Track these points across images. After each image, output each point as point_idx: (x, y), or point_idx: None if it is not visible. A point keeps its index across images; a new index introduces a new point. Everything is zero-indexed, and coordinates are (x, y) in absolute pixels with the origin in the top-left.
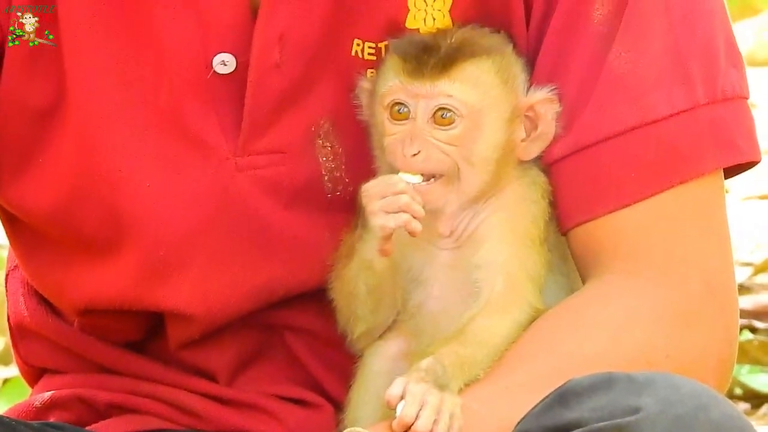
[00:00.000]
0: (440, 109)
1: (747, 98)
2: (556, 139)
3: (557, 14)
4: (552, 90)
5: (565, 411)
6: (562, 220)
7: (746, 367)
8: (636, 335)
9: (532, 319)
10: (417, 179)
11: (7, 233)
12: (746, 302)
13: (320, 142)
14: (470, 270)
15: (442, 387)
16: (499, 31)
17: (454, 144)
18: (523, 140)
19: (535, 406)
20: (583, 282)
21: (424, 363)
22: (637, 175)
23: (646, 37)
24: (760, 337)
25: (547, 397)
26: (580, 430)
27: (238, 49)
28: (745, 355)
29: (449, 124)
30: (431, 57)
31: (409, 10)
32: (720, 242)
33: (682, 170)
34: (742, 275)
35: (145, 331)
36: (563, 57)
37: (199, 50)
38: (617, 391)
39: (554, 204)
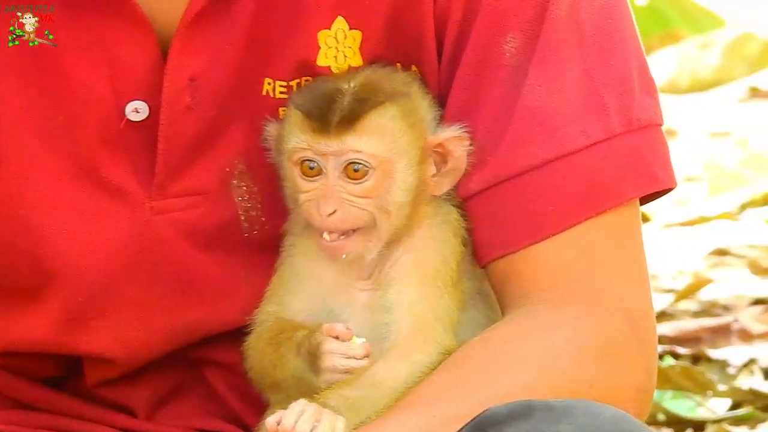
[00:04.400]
0: (350, 163)
1: (661, 125)
2: (472, 173)
3: (469, 48)
4: (461, 128)
5: None
6: (481, 253)
7: (669, 393)
8: (561, 366)
9: (443, 359)
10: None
11: None
12: (668, 329)
13: (235, 182)
14: (382, 312)
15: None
16: (408, 68)
17: (368, 196)
18: (433, 176)
19: None
20: (503, 314)
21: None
22: (555, 207)
23: (560, 69)
24: (683, 363)
25: (465, 426)
26: None
27: (150, 94)
28: (667, 381)
29: (362, 177)
30: (334, 113)
31: (319, 48)
32: (639, 272)
33: (600, 200)
34: (664, 302)
35: (65, 369)
36: (477, 91)
37: (111, 99)
38: (536, 420)
39: (472, 237)
